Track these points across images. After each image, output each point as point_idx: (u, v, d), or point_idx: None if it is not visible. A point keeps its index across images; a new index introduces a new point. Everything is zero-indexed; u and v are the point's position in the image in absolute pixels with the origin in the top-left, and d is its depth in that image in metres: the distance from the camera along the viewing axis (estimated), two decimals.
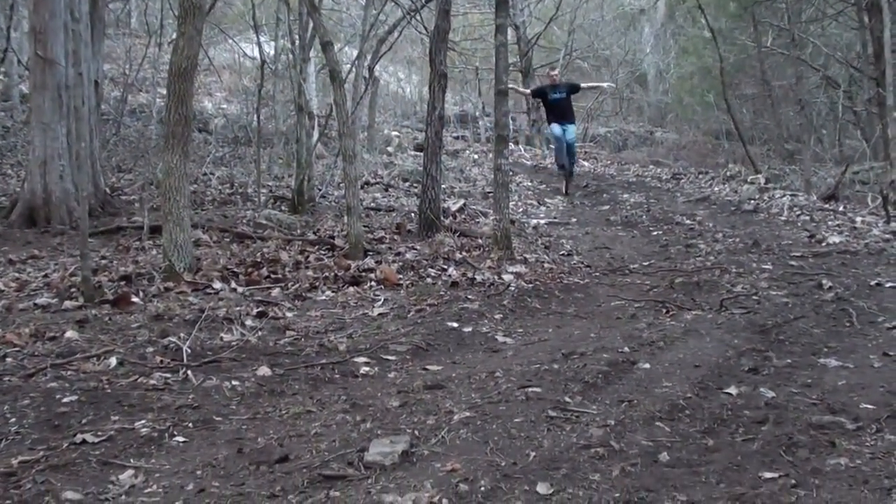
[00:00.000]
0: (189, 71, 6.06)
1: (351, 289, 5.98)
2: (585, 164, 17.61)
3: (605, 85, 16.69)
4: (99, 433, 3.02)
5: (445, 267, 6.68)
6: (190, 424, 3.16)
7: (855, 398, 3.31)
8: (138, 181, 11.36)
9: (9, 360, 3.93)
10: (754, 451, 2.78)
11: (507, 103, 7.37)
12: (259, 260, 6.64)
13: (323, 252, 7.22)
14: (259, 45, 11.08)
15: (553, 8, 21.27)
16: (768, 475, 2.58)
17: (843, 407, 3.20)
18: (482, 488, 2.52)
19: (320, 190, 11.28)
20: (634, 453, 2.77)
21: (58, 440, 2.96)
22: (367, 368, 4.03)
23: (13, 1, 11.54)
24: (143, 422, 3.15)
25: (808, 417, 3.07)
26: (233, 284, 5.88)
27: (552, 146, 14.89)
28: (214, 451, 2.89)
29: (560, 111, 12.78)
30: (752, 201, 10.80)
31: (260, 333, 4.65)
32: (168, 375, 3.78)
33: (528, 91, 14.49)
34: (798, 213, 9.63)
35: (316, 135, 11.95)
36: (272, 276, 6.26)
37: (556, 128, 12.65)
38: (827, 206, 10.10)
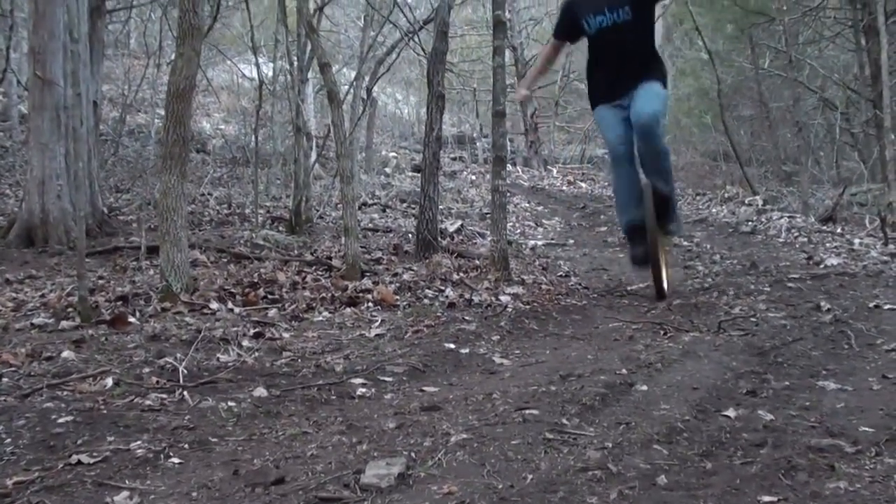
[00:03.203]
0: (187, 91, 6.07)
1: (348, 309, 5.97)
2: (583, 185, 17.63)
3: None
4: (94, 454, 3.00)
5: (443, 288, 6.67)
6: (186, 445, 3.14)
7: (854, 421, 3.30)
8: (136, 201, 11.36)
9: (5, 380, 3.92)
10: (753, 475, 2.76)
11: (505, 124, 7.39)
12: (256, 280, 6.63)
13: (320, 273, 7.21)
14: (257, 66, 11.10)
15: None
16: (767, 499, 2.56)
17: (842, 430, 3.18)
18: None
19: (318, 210, 11.29)
20: (632, 476, 2.75)
21: (53, 461, 2.95)
22: (363, 390, 4.01)
23: (12, 21, 11.57)
24: (138, 443, 3.13)
25: (806, 440, 3.06)
26: (230, 305, 5.87)
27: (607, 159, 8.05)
28: (210, 473, 2.87)
29: (618, 57, 6.07)
30: (750, 223, 10.81)
31: (256, 354, 4.63)
32: (164, 396, 3.76)
33: (547, 48, 7.01)
34: (796, 234, 9.64)
35: (314, 155, 12.00)
36: (269, 296, 6.25)
37: (606, 113, 6.22)
38: (825, 227, 10.12)
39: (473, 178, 18.41)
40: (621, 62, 6.04)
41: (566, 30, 6.50)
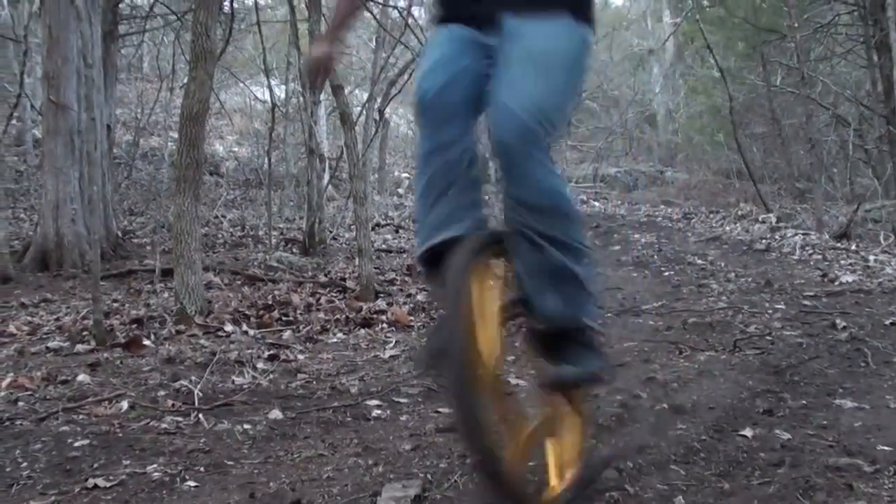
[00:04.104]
0: (200, 114, 6.11)
1: (362, 331, 5.97)
2: (596, 204, 17.60)
3: None
4: (110, 477, 3.00)
5: None
6: (202, 468, 3.14)
7: (871, 440, 3.28)
8: (150, 224, 11.42)
9: (21, 403, 3.93)
10: (771, 495, 2.75)
11: None
12: (270, 302, 6.64)
13: (334, 294, 7.21)
14: (270, 88, 11.17)
15: None
16: None
17: (859, 449, 3.16)
18: None
19: (331, 232, 11.31)
20: (649, 497, 2.74)
21: (69, 485, 2.95)
22: (378, 411, 4.01)
23: (26, 47, 11.64)
24: (154, 466, 3.13)
25: (824, 460, 3.04)
26: (244, 327, 5.88)
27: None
28: (226, 496, 2.87)
29: None
30: (764, 240, 10.77)
31: (271, 376, 4.64)
32: (180, 419, 3.76)
33: None
34: (810, 252, 9.59)
35: (327, 177, 12.01)
36: (283, 318, 6.26)
37: (443, 41, 2.57)
38: (839, 244, 10.06)
39: (486, 197, 18.42)
40: None
41: None
